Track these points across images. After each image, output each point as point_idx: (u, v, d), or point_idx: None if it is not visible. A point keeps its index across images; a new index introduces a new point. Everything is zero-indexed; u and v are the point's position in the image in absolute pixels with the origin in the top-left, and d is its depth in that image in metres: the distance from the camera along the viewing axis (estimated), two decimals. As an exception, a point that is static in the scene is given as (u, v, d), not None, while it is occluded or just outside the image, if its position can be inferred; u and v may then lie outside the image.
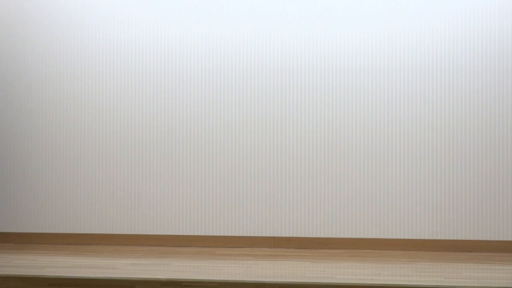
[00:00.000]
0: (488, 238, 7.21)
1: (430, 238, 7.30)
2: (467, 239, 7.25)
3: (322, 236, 7.47)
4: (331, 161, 7.48)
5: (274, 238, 7.55)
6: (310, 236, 7.49)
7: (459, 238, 7.26)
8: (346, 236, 7.44)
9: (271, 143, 7.58)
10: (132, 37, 7.83)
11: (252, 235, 7.57)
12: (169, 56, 7.75)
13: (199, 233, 7.65)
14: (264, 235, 7.56)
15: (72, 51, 7.95)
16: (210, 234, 7.53)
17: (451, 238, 7.27)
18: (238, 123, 7.64)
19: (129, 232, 7.75)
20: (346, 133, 7.47)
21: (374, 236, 7.39)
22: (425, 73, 7.37)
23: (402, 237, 7.35)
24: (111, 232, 7.77)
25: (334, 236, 7.45)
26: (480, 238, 7.23)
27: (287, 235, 7.53)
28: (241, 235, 7.54)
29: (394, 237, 7.36)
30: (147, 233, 7.67)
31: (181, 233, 7.61)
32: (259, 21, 7.62)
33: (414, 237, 7.33)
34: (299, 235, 7.52)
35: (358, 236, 7.42)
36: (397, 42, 7.41)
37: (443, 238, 7.29)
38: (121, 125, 7.83)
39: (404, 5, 7.40)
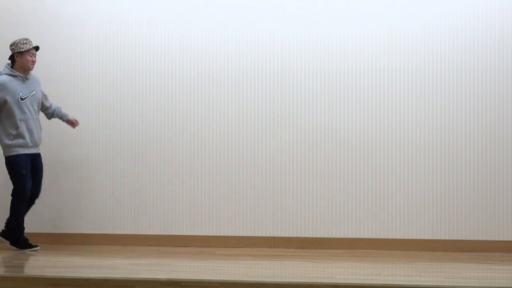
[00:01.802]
0: (488, 238, 7.20)
1: (430, 238, 7.30)
2: (467, 239, 7.25)
3: (322, 236, 7.47)
4: (331, 161, 7.48)
5: (274, 238, 7.55)
6: (310, 236, 7.49)
7: (459, 238, 7.26)
8: (346, 236, 7.44)
9: (272, 144, 7.58)
10: (132, 37, 7.83)
11: (252, 235, 7.57)
12: (169, 55, 7.74)
13: (199, 233, 7.65)
14: (264, 235, 7.56)
15: (72, 51, 7.95)
16: (210, 234, 7.52)
17: (451, 238, 7.27)
18: (238, 123, 7.63)
19: (129, 232, 7.75)
20: (346, 134, 7.47)
21: (374, 236, 7.39)
22: (425, 73, 7.36)
23: (402, 237, 7.35)
24: (111, 232, 7.77)
25: (334, 236, 7.45)
26: (480, 238, 7.23)
27: (287, 235, 7.53)
28: (241, 235, 7.54)
29: (394, 237, 7.36)
30: (147, 233, 7.66)
31: (181, 233, 7.60)
32: (259, 21, 7.62)
33: (414, 237, 7.33)
34: (299, 235, 7.52)
35: (358, 236, 7.42)
36: (397, 42, 7.40)
37: (443, 238, 7.28)
38: (121, 125, 7.82)
39: (404, 5, 7.40)
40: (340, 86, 7.50)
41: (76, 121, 7.55)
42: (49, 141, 7.93)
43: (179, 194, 7.61)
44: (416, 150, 7.36)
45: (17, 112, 7.19)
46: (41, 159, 7.40)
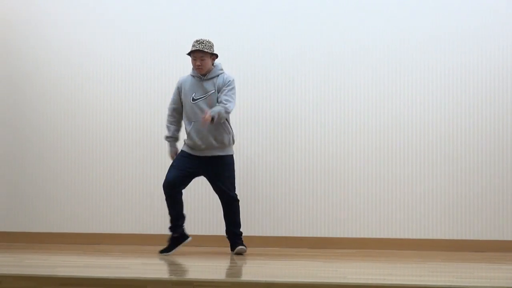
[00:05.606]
0: (501, 238, 7.17)
1: (443, 238, 7.28)
2: (480, 239, 7.22)
3: (334, 236, 7.45)
4: (342, 161, 7.46)
5: (286, 237, 7.54)
6: (322, 235, 7.47)
7: (472, 238, 7.23)
8: (358, 236, 7.42)
9: (280, 143, 7.57)
10: (132, 38, 7.83)
11: (264, 234, 7.56)
12: (170, 57, 7.74)
13: (210, 233, 7.64)
14: (276, 234, 7.55)
15: (73, 54, 7.97)
16: (221, 234, 7.51)
17: (463, 238, 7.24)
18: (243, 122, 7.62)
19: (140, 232, 7.75)
20: (356, 134, 7.45)
21: (386, 236, 7.37)
22: (431, 75, 7.34)
23: (414, 237, 7.33)
24: (122, 232, 7.77)
25: (346, 236, 7.43)
26: (493, 238, 7.20)
27: (299, 235, 7.52)
28: (252, 234, 7.53)
29: (406, 237, 7.34)
30: (158, 232, 7.65)
31: (192, 233, 7.59)
32: (260, 22, 7.61)
33: (426, 237, 7.31)
34: (311, 235, 7.50)
35: (370, 236, 7.40)
36: (407, 42, 7.39)
37: (455, 238, 7.26)
38: (123, 127, 7.83)
39: (408, 5, 7.38)
40: (344, 86, 7.48)
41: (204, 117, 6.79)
42: (57, 142, 7.95)
43: (188, 195, 7.59)
44: (428, 151, 7.34)
45: (188, 113, 6.94)
46: (222, 162, 6.93)
